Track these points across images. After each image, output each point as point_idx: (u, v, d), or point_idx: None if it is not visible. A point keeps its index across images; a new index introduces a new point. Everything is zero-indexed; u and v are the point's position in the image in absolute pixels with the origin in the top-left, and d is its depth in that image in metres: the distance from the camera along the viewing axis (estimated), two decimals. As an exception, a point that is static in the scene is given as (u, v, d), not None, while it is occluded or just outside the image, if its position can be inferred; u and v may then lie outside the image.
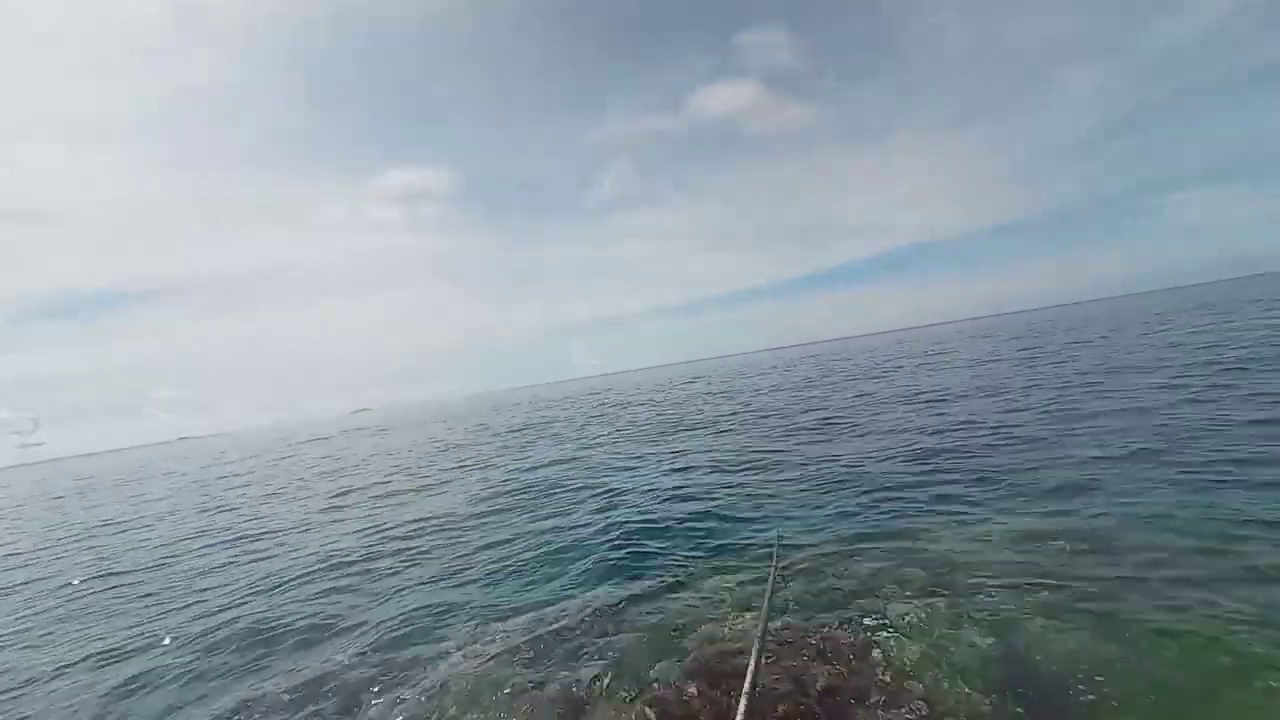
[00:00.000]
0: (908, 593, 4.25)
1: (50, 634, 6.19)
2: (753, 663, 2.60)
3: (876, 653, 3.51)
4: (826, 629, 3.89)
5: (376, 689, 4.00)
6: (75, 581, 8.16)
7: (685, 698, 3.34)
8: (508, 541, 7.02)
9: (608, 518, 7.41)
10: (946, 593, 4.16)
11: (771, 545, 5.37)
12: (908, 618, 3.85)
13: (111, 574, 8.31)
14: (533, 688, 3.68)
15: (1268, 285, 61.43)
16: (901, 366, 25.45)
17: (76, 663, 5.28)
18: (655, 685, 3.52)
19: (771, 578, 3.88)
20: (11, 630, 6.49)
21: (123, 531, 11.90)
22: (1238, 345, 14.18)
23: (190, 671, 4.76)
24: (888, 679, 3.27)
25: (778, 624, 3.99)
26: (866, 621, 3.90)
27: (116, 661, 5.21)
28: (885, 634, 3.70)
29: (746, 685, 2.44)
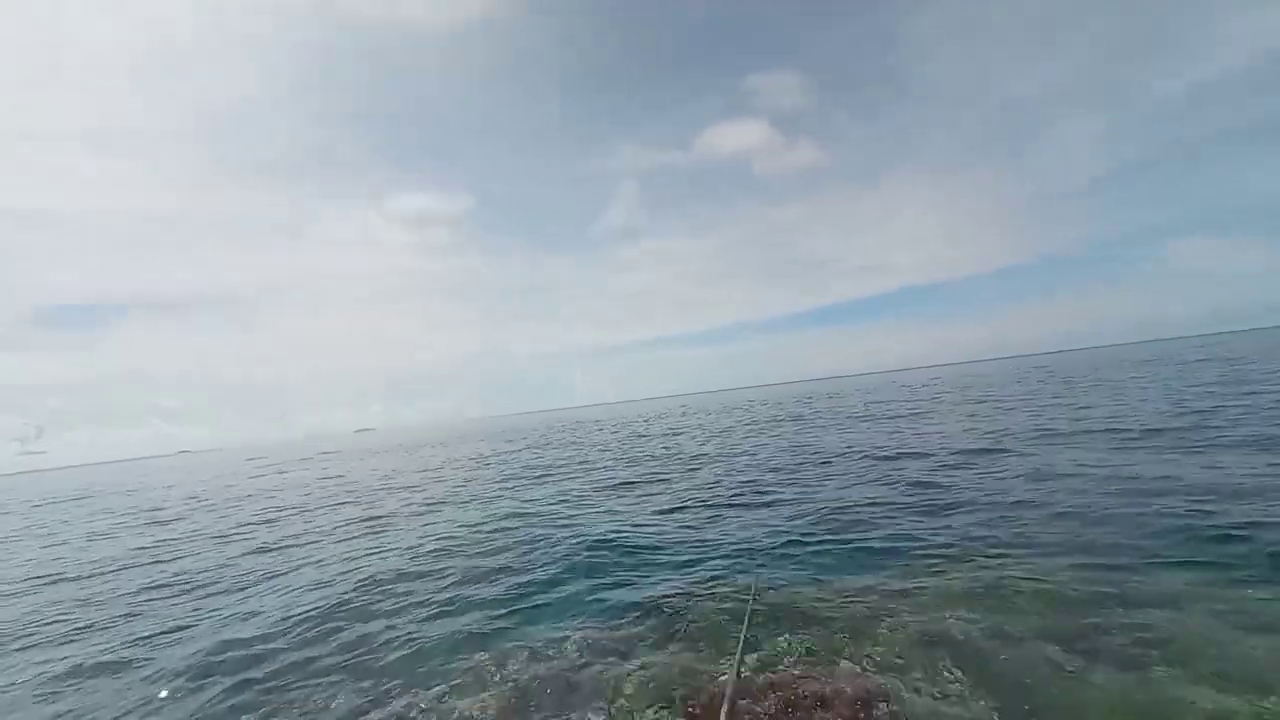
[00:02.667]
0: (893, 640, 4.17)
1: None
2: (727, 703, 2.77)
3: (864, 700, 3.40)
4: (804, 674, 3.78)
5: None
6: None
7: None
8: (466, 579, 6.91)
9: (582, 554, 7.37)
10: (935, 641, 4.09)
11: (748, 588, 5.33)
12: (883, 661, 3.83)
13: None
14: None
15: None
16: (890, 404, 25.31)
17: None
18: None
19: (747, 620, 4.01)
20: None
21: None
22: None
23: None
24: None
25: (754, 663, 3.93)
26: (849, 667, 3.83)
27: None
28: (864, 680, 3.62)
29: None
